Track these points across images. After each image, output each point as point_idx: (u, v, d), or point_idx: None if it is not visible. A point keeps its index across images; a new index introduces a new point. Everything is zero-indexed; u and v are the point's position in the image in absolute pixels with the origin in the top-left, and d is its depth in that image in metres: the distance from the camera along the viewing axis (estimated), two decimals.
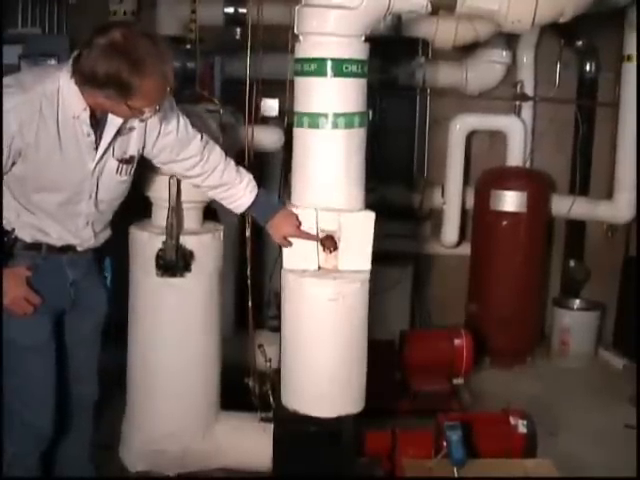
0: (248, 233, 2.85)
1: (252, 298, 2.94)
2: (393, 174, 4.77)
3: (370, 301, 2.60)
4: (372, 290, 2.61)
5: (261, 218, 2.63)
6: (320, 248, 2.59)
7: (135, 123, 2.34)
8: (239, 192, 2.59)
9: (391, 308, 4.39)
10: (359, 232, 2.58)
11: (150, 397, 2.94)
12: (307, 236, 2.58)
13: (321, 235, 2.59)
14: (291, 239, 2.61)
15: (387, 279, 4.31)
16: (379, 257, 2.67)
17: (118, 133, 2.35)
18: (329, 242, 2.59)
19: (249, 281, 2.94)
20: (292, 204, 2.62)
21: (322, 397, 2.59)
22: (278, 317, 2.72)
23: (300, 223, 2.58)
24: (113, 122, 2.31)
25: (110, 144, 2.34)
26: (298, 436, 2.59)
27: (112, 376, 2.88)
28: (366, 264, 2.61)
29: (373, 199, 2.73)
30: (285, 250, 2.64)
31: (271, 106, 3.45)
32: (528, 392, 3.97)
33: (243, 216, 2.82)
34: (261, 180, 2.76)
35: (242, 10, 4.12)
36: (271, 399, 2.93)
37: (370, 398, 2.67)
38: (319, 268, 2.61)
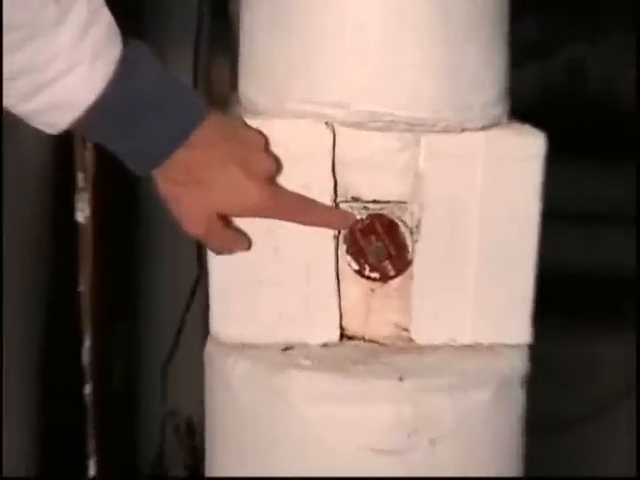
0: (83, 214, 2.14)
1: (101, 447, 2.09)
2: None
3: (533, 451, 1.51)
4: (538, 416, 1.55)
5: (136, 152, 1.58)
6: (348, 259, 1.55)
7: None
8: (56, 56, 1.66)
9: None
10: (495, 207, 1.47)
11: None
12: (302, 215, 1.59)
13: (353, 218, 1.55)
14: (241, 225, 1.59)
15: (597, 372, 2.85)
16: (565, 295, 2.21)
17: None
18: (380, 243, 1.56)
19: (89, 386, 2.08)
20: (245, 101, 1.56)
21: None
22: None
23: (275, 168, 1.53)
24: None
25: None
26: None
27: None
28: (518, 324, 1.54)
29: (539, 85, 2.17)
30: (217, 271, 1.61)
31: None
32: None
33: (70, 149, 2.03)
34: (135, 23, 1.84)
35: None
36: None
37: None
38: (342, 337, 1.55)
